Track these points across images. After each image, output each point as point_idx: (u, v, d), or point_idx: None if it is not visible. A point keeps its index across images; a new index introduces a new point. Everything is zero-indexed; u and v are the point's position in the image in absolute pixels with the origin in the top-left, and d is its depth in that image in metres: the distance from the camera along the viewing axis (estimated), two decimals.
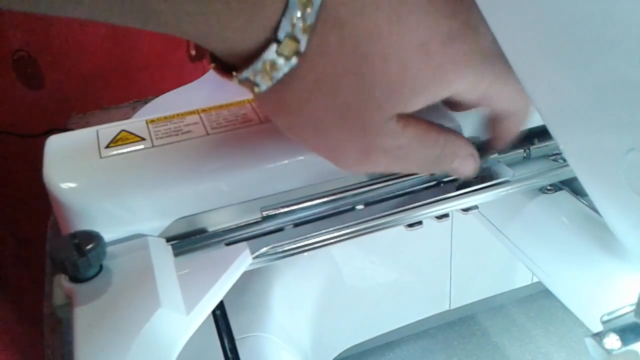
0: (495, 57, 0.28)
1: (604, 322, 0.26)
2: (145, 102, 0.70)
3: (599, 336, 0.25)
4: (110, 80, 0.90)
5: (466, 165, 0.33)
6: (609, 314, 0.26)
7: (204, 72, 0.65)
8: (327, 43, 0.25)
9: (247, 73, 0.25)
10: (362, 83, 0.26)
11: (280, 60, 0.25)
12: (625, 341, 0.25)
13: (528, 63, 0.25)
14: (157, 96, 0.64)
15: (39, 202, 0.89)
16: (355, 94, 0.27)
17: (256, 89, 0.26)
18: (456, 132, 0.33)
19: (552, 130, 0.27)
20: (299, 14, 0.24)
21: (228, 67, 0.27)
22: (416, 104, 0.28)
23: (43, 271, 0.55)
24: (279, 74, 0.25)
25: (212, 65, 0.28)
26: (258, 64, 0.25)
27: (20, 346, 0.95)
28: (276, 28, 0.24)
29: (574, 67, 0.23)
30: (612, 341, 0.25)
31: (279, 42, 0.24)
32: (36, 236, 0.93)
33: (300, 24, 0.24)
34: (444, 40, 0.26)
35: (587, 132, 0.25)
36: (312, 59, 0.25)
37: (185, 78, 0.66)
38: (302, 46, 0.25)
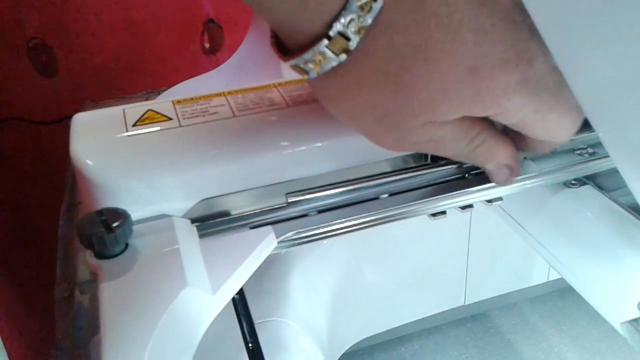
0: (540, 90, 0.28)
1: None
2: (159, 93, 0.70)
3: (636, 321, 0.25)
4: (124, 70, 0.90)
5: (498, 173, 0.34)
6: None
7: (218, 65, 0.65)
8: (375, 46, 0.26)
9: (298, 60, 0.27)
10: (401, 92, 0.27)
11: (330, 54, 0.26)
12: None
13: (569, 48, 0.24)
14: (170, 87, 0.64)
15: (50, 190, 0.89)
16: (394, 100, 0.27)
17: (305, 76, 0.28)
18: (504, 137, 0.32)
19: (591, 119, 0.27)
20: (354, 16, 0.25)
21: (285, 50, 0.28)
22: (452, 117, 0.28)
23: (52, 259, 0.55)
24: (327, 67, 0.27)
25: (273, 40, 0.29)
26: (309, 54, 0.26)
27: (29, 336, 0.95)
28: (330, 25, 0.25)
29: (615, 52, 0.23)
30: None
31: (329, 38, 0.25)
32: (46, 224, 0.93)
33: (354, 26, 0.25)
34: (494, 68, 0.26)
35: (630, 121, 0.24)
36: (359, 58, 0.26)
37: (199, 71, 0.66)
38: (353, 45, 0.26)
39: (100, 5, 0.85)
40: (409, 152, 0.36)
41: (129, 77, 0.91)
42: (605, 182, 0.38)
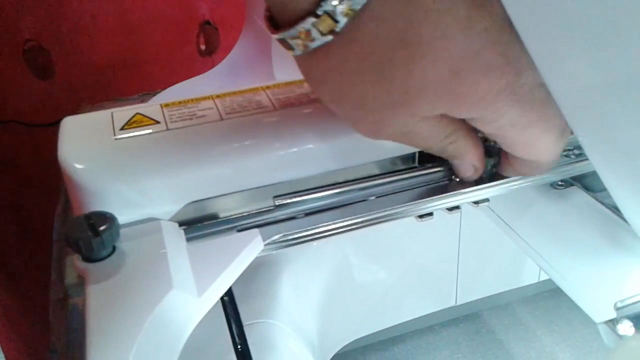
0: (521, 104, 0.27)
1: (617, 309, 0.26)
2: (155, 95, 0.70)
3: (612, 322, 0.25)
4: (119, 72, 0.91)
5: (464, 170, 0.34)
6: (622, 300, 0.26)
7: (213, 66, 0.65)
8: (362, 32, 0.26)
9: (284, 34, 0.27)
10: (380, 82, 0.27)
11: (316, 34, 0.26)
12: (639, 327, 0.25)
13: (547, 49, 0.25)
14: (166, 89, 0.65)
15: (47, 193, 0.89)
16: (373, 89, 0.27)
17: (291, 53, 0.28)
18: (475, 138, 0.32)
19: (571, 123, 0.27)
20: None
21: (276, 24, 0.28)
22: (429, 114, 0.28)
23: (48, 261, 0.56)
24: (312, 45, 0.27)
25: (266, 14, 0.29)
26: (294, 30, 0.26)
27: (25, 336, 0.95)
28: (319, 3, 0.25)
29: (595, 57, 0.23)
30: (626, 327, 0.25)
31: (317, 16, 0.25)
32: (41, 226, 0.93)
33: (342, 7, 0.25)
34: (478, 72, 0.26)
35: (607, 126, 0.25)
36: (343, 41, 0.26)
37: (195, 72, 0.66)
38: (339, 27, 0.26)
39: (96, 8, 0.85)
40: (385, 142, 0.36)
41: (125, 79, 0.92)
42: (591, 184, 0.38)
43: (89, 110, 0.77)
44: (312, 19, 0.25)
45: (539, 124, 0.29)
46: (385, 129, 0.30)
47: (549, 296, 0.59)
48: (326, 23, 0.26)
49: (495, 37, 0.26)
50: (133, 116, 0.34)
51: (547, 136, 0.29)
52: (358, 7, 0.25)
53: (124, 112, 0.34)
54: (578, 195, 0.38)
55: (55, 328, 0.50)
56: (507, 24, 0.25)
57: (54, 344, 0.50)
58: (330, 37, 0.26)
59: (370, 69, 0.27)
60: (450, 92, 0.27)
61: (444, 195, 0.35)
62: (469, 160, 0.33)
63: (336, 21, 0.25)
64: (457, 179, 0.36)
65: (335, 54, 0.27)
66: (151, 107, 0.35)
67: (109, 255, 0.29)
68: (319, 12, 0.25)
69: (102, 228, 0.28)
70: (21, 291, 0.97)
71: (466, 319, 0.57)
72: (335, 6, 0.25)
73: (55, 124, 0.36)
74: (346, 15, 0.25)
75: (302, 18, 0.26)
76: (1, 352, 0.76)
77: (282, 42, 0.28)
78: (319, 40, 0.26)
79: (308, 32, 0.26)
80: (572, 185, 0.39)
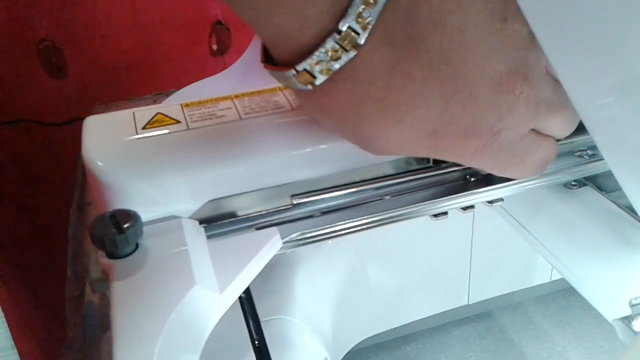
0: (497, 156, 0.28)
1: (632, 306, 0.27)
2: (167, 95, 0.71)
3: (627, 319, 0.26)
4: (133, 72, 0.91)
5: None
6: (637, 297, 0.27)
7: (225, 67, 0.66)
8: (338, 88, 0.26)
9: (305, 64, 0.25)
10: (360, 134, 0.28)
11: (339, 51, 0.25)
12: None
13: (565, 57, 0.25)
14: (179, 89, 0.65)
15: (59, 191, 0.90)
16: (355, 138, 0.28)
17: (309, 86, 0.27)
18: None
19: (586, 123, 0.27)
20: (322, 58, 0.25)
21: (280, 63, 0.27)
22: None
23: (61, 258, 0.56)
24: (337, 66, 0.25)
25: (263, 60, 0.28)
26: (320, 52, 0.25)
27: (39, 332, 0.96)
28: (339, 19, 0.24)
29: (610, 63, 0.24)
30: None
31: (339, 32, 0.24)
32: (55, 224, 0.94)
33: (321, 67, 0.25)
34: (457, 136, 0.27)
35: (623, 126, 0.25)
36: (324, 91, 0.27)
37: (207, 72, 0.67)
38: (318, 82, 0.26)
39: (109, 8, 0.86)
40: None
41: (137, 79, 0.92)
42: (604, 184, 0.39)
43: (103, 110, 0.78)
44: (335, 36, 0.24)
45: (519, 165, 0.29)
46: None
47: (560, 296, 0.59)
48: (304, 77, 0.26)
49: (474, 104, 0.26)
50: (154, 116, 0.34)
51: (526, 170, 0.30)
52: (335, 67, 0.25)
53: (145, 112, 0.35)
54: (591, 195, 0.38)
55: (71, 324, 0.51)
56: (489, 90, 0.26)
57: (70, 340, 0.50)
58: (353, 53, 0.25)
59: (348, 121, 0.27)
60: (428, 148, 0.27)
61: (458, 194, 0.36)
62: None
63: (314, 77, 0.26)
64: (472, 179, 0.37)
65: (320, 99, 0.27)
66: (172, 106, 0.36)
67: (132, 252, 0.29)
68: (342, 28, 0.24)
69: (126, 225, 0.29)
70: (33, 287, 0.97)
71: (478, 319, 0.58)
72: (313, 65, 0.25)
73: (68, 123, 0.37)
74: (325, 73, 0.25)
75: (321, 39, 0.25)
76: (14, 347, 0.77)
77: (302, 75, 0.26)
78: (345, 57, 0.25)
79: (334, 51, 0.25)
80: (585, 185, 0.39)
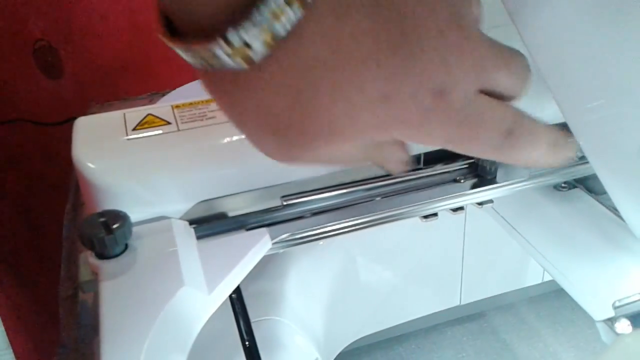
0: (457, 123, 0.24)
1: (615, 308, 0.27)
2: (163, 95, 0.71)
3: (610, 321, 0.26)
4: (128, 72, 0.91)
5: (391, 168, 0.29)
6: (620, 300, 0.27)
7: None
8: (279, 57, 0.21)
9: (242, 31, 0.19)
10: (299, 109, 0.22)
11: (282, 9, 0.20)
12: (636, 326, 0.25)
13: (552, 62, 0.25)
14: (174, 89, 0.65)
15: (54, 191, 0.90)
16: (289, 118, 0.22)
17: (243, 64, 0.21)
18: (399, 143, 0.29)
19: (573, 128, 0.27)
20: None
21: (190, 34, 0.21)
22: (352, 142, 0.24)
23: (57, 259, 0.56)
24: (281, 30, 0.20)
25: (162, 31, 0.22)
26: (263, 10, 0.19)
27: (34, 331, 0.96)
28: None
29: (593, 69, 0.24)
30: (624, 326, 0.26)
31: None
32: (50, 224, 0.94)
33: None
34: (408, 97, 0.23)
35: (605, 129, 0.25)
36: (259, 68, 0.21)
37: None
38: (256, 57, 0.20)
39: (105, 8, 0.86)
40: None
41: (133, 79, 0.92)
42: (594, 186, 0.39)
43: (99, 110, 0.78)
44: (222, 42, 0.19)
45: (472, 140, 0.25)
46: (299, 157, 0.25)
47: (552, 297, 0.59)
48: (240, 51, 0.20)
49: (420, 62, 0.22)
50: (145, 117, 0.34)
51: (485, 146, 0.26)
52: (282, 31, 0.20)
53: (136, 113, 0.35)
54: (581, 197, 0.39)
55: (65, 324, 0.51)
56: (436, 39, 0.23)
57: (64, 340, 0.50)
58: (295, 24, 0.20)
59: (285, 94, 0.22)
60: (379, 117, 0.23)
61: (448, 196, 0.36)
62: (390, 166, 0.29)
63: (251, 48, 0.20)
64: (463, 181, 0.37)
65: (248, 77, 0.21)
66: (162, 108, 0.36)
67: (121, 253, 0.30)
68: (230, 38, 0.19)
69: (115, 226, 0.29)
70: (30, 287, 0.97)
71: (471, 319, 0.58)
72: (248, 32, 0.19)
73: (64, 123, 0.37)
74: (267, 44, 0.20)
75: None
76: (10, 346, 0.77)
77: (237, 50, 0.20)
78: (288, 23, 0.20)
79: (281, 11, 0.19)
80: (575, 187, 0.39)
